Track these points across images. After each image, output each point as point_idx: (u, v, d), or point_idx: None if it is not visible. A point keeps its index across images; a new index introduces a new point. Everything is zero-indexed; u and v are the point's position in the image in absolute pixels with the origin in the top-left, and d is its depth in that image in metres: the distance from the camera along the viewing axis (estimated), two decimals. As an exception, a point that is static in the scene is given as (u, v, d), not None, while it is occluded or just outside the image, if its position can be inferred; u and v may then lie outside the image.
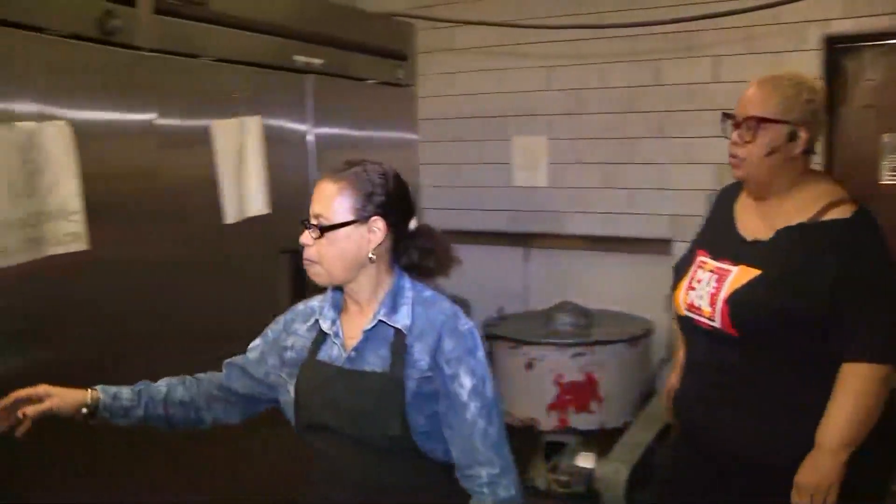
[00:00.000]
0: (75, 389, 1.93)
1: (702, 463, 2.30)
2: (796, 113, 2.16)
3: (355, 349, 1.90)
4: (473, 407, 1.84)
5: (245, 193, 2.76)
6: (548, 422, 4.28)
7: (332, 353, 1.93)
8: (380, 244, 1.86)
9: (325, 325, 1.95)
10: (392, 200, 1.87)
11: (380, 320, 1.88)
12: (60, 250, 2.13)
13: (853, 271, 2.07)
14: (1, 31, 2.03)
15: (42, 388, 1.89)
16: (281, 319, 2.06)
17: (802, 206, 2.17)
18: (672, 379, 2.53)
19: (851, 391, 2.06)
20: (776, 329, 2.12)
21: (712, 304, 2.19)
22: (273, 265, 2.92)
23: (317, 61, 3.06)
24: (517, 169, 5.06)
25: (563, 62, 4.82)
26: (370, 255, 1.85)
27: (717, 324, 2.18)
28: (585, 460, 4.06)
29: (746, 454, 2.18)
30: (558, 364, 4.24)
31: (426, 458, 1.88)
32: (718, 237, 2.33)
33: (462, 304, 4.86)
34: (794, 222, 2.16)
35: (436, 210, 4.55)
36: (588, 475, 3.97)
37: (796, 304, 2.08)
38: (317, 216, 1.85)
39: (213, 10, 2.65)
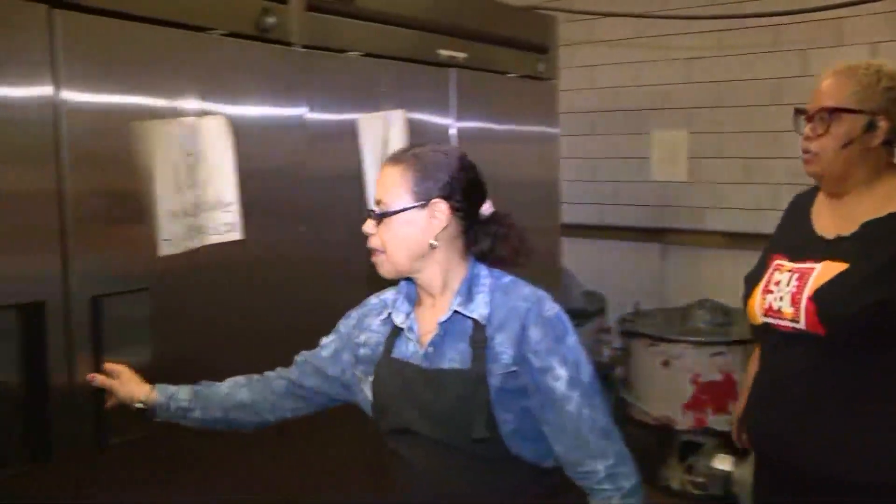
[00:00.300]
0: (141, 384, 1.95)
1: (791, 492, 2.09)
2: (874, 102, 2.02)
3: (432, 344, 1.78)
4: (575, 398, 1.70)
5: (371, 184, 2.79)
6: (683, 421, 4.20)
7: (407, 349, 1.82)
8: (444, 229, 1.75)
9: (399, 319, 1.84)
10: (456, 183, 1.76)
11: (455, 311, 1.76)
12: (218, 240, 2.22)
13: None
14: (166, 31, 2.13)
15: (118, 374, 1.94)
16: (353, 314, 1.98)
17: (886, 198, 2.04)
18: (740, 405, 2.36)
19: None
20: (868, 325, 1.94)
21: (794, 303, 2.03)
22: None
23: (460, 55, 3.08)
24: (656, 163, 4.97)
25: (704, 53, 4.70)
26: (431, 242, 1.75)
27: (801, 325, 2.01)
28: (722, 463, 3.94)
29: (842, 473, 1.98)
30: (696, 363, 4.15)
31: (515, 460, 1.74)
32: (795, 240, 2.18)
33: (597, 298, 4.86)
34: (882, 213, 2.02)
35: (573, 205, 4.52)
36: (725, 478, 3.85)
37: (883, 297, 1.92)
38: (378, 202, 1.78)
39: (361, 5, 2.70)
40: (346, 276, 2.53)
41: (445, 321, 1.77)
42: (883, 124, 2.02)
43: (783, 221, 2.32)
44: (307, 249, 2.54)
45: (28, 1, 1.83)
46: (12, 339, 1.86)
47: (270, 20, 2.38)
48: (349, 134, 2.69)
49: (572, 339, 1.74)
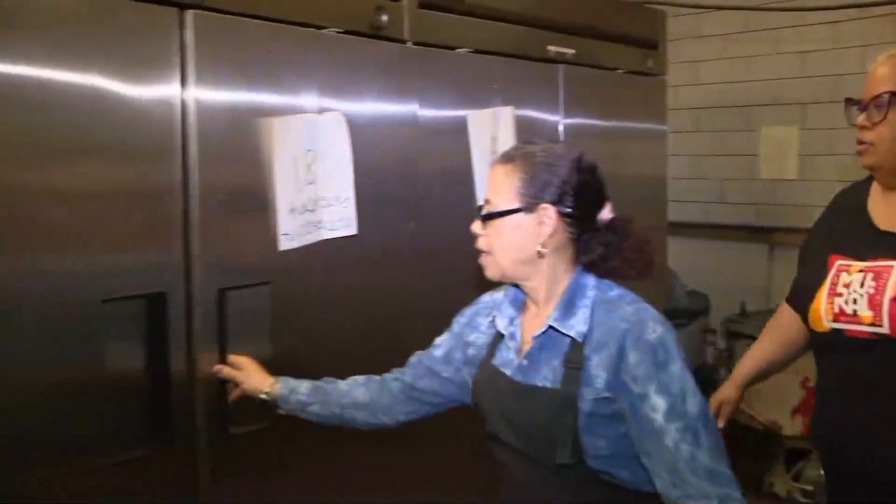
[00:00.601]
0: (265, 376, 2.01)
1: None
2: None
3: (527, 356, 1.69)
4: (674, 431, 1.53)
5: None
6: (792, 427, 4.07)
7: (506, 357, 1.75)
8: (551, 236, 1.65)
9: (501, 325, 1.77)
10: (568, 187, 1.64)
11: (549, 326, 1.66)
12: (333, 235, 2.25)
13: None
14: (286, 30, 2.17)
15: (243, 366, 2.01)
16: (466, 312, 1.93)
17: None
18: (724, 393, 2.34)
19: None
20: None
21: (874, 305, 1.85)
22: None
23: (569, 51, 3.06)
24: (764, 161, 4.84)
25: (819, 46, 4.55)
26: (538, 249, 1.64)
27: (884, 328, 1.83)
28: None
29: None
30: (805, 366, 4.01)
31: (610, 483, 1.62)
32: (857, 238, 2.00)
33: (701, 298, 4.77)
34: None
35: (677, 203, 4.44)
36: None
37: None
38: (486, 202, 1.70)
39: (472, 2, 2.71)
40: (457, 273, 2.53)
41: (540, 335, 1.67)
42: None
43: (832, 220, 2.16)
44: (417, 245, 2.56)
45: (160, 5, 1.90)
46: (138, 327, 1.93)
47: (383, 17, 2.40)
48: (459, 130, 2.69)
49: (676, 366, 1.56)
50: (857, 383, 1.93)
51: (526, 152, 1.69)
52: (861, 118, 1.95)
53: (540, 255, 1.65)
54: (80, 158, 1.78)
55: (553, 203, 1.64)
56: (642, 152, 3.49)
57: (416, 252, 2.55)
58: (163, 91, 1.91)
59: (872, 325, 1.86)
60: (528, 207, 1.64)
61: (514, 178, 1.66)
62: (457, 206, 2.65)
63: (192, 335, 2.00)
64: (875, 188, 2.04)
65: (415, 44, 2.54)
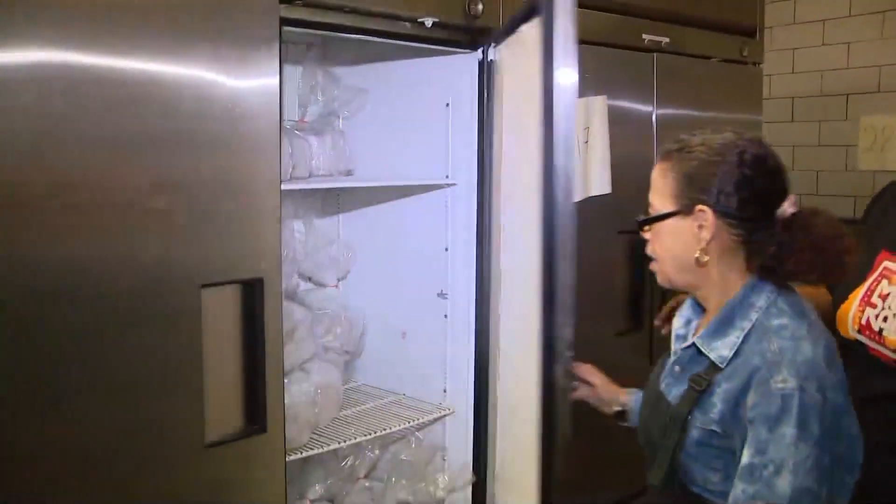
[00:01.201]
0: (615, 386, 1.94)
1: None
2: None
3: (678, 364, 1.60)
4: (740, 489, 1.38)
5: (588, 173, 2.77)
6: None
7: (669, 359, 1.65)
8: (711, 241, 1.50)
9: (677, 324, 1.68)
10: (728, 184, 1.48)
11: (693, 343, 1.55)
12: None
13: None
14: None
15: (594, 375, 1.96)
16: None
17: None
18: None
19: None
20: None
21: None
22: (611, 245, 2.91)
23: (664, 39, 2.99)
24: (863, 151, 4.67)
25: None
26: (697, 255, 1.50)
27: None
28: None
29: None
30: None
31: None
32: None
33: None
34: None
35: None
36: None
37: None
38: (649, 204, 1.59)
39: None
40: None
41: (687, 348, 1.58)
42: None
43: (890, 211, 1.84)
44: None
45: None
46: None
47: (479, 7, 2.39)
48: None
49: (791, 431, 1.35)
50: (876, 411, 1.64)
51: (683, 146, 1.54)
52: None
53: (699, 262, 1.51)
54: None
55: (710, 204, 1.49)
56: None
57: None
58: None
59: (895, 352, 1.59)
60: (685, 210, 1.51)
61: (669, 178, 1.53)
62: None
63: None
64: None
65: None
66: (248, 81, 1.89)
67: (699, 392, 1.48)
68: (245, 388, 1.99)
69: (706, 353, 1.51)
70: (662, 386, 1.61)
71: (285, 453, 2.11)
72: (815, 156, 4.84)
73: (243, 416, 1.99)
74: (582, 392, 1.97)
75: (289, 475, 2.13)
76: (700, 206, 1.50)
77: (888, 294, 1.65)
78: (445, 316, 2.69)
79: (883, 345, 1.62)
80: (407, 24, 2.29)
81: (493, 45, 2.46)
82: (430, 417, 2.72)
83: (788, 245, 1.47)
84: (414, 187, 2.74)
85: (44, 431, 1.65)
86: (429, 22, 2.30)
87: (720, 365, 1.47)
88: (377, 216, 2.95)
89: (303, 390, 2.45)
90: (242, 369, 1.99)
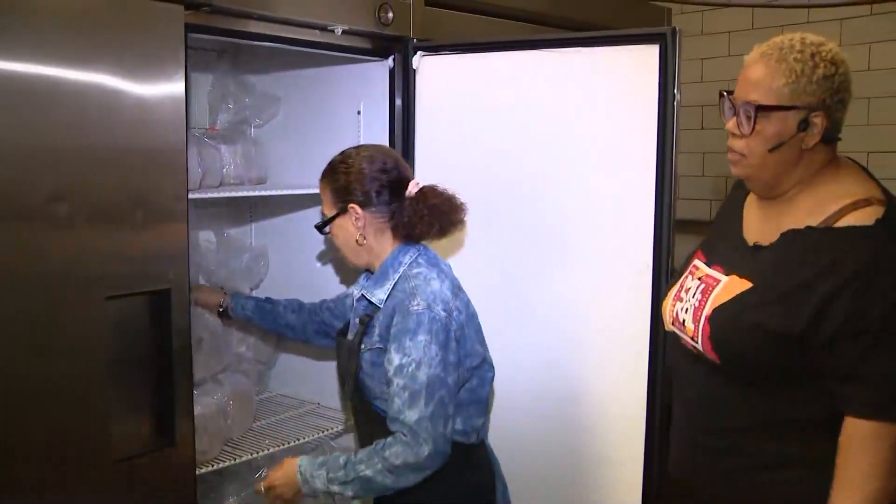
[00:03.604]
0: (218, 292, 2.54)
1: None
2: (810, 95, 1.60)
3: (355, 314, 2.08)
4: (395, 384, 1.87)
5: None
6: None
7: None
8: (363, 227, 2.00)
9: (355, 292, 2.13)
10: (361, 184, 1.98)
11: (362, 294, 2.05)
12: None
13: (861, 302, 1.52)
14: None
15: (198, 286, 2.57)
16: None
17: (817, 205, 1.65)
18: None
19: (858, 451, 1.56)
20: (760, 359, 1.61)
21: (695, 321, 1.71)
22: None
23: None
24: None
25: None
26: (356, 240, 2.01)
27: (699, 345, 1.70)
28: None
29: None
30: None
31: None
32: (719, 239, 1.83)
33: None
34: (802, 225, 1.64)
35: (687, 201, 4.46)
36: None
37: (783, 330, 1.57)
38: (323, 215, 2.08)
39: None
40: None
41: (359, 300, 2.07)
42: (819, 121, 1.62)
43: (721, 208, 1.96)
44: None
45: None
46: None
47: None
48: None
49: (422, 338, 1.86)
50: (688, 398, 1.82)
51: (332, 167, 2.06)
52: (731, 124, 1.69)
53: (359, 243, 2.02)
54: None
55: (357, 202, 1.99)
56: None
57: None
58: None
59: (693, 339, 1.72)
60: (341, 211, 2.02)
61: (327, 192, 2.05)
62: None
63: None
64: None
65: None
66: (153, 88, 1.86)
67: (365, 325, 1.99)
68: (153, 401, 1.96)
69: (369, 298, 2.00)
70: (350, 334, 2.08)
71: (196, 466, 2.08)
72: (724, 162, 4.96)
73: (152, 430, 1.96)
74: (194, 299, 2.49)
75: (202, 488, 2.10)
76: (350, 205, 1.99)
77: (689, 288, 1.79)
78: (361, 324, 2.69)
79: (685, 333, 1.76)
80: (317, 31, 2.29)
81: (418, 53, 2.50)
82: (344, 426, 2.71)
83: (414, 214, 1.99)
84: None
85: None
86: (338, 30, 2.30)
87: (378, 305, 1.98)
88: (290, 225, 2.93)
89: (213, 401, 2.41)
90: (150, 381, 1.96)
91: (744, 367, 1.66)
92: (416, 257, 2.01)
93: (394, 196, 2.01)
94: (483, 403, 2.06)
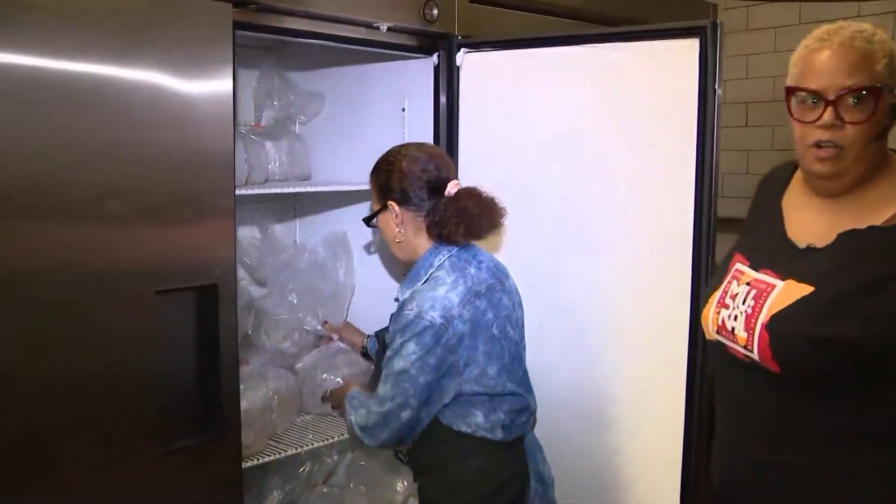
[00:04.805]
0: (356, 331, 2.72)
1: None
2: (891, 77, 1.53)
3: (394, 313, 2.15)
4: (383, 372, 2.02)
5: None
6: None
7: None
8: (401, 224, 2.07)
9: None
10: (400, 183, 2.04)
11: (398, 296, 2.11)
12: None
13: None
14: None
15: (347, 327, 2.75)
16: None
17: (877, 203, 1.57)
18: None
19: None
20: (828, 369, 1.52)
21: (748, 329, 1.61)
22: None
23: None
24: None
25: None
26: (394, 237, 2.09)
27: (754, 355, 1.60)
28: None
29: None
30: None
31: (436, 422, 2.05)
32: (760, 240, 1.74)
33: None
34: (863, 224, 1.56)
35: (726, 199, 4.39)
36: None
37: (851, 335, 1.49)
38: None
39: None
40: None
41: (397, 300, 2.10)
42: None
43: (753, 207, 1.85)
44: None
45: None
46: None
47: None
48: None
49: (404, 338, 1.96)
50: (737, 408, 1.73)
51: (378, 165, 2.14)
52: (827, 116, 1.54)
53: (397, 240, 2.11)
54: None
55: (396, 200, 2.06)
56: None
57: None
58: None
59: (746, 348, 1.63)
60: (384, 207, 2.11)
61: (373, 189, 2.15)
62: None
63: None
64: (797, 184, 1.75)
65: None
66: (201, 86, 1.87)
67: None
68: (200, 395, 1.97)
69: (399, 297, 2.06)
70: None
71: (241, 460, 2.10)
72: (769, 160, 4.91)
73: (198, 423, 1.97)
74: (331, 328, 2.73)
75: (246, 482, 2.12)
76: (389, 202, 2.06)
77: (737, 294, 1.69)
78: (403, 320, 2.70)
79: (736, 342, 1.66)
80: (362, 28, 2.29)
81: (462, 50, 2.50)
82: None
83: (444, 215, 2.02)
84: (370, 192, 2.74)
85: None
86: (383, 27, 2.31)
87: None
88: (334, 221, 2.94)
89: (259, 396, 2.43)
90: (197, 376, 1.98)
91: (808, 376, 1.56)
92: (444, 260, 2.06)
93: (432, 196, 2.06)
94: (498, 397, 2.05)
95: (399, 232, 2.08)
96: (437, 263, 2.05)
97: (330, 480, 2.93)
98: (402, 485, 2.80)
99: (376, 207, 2.11)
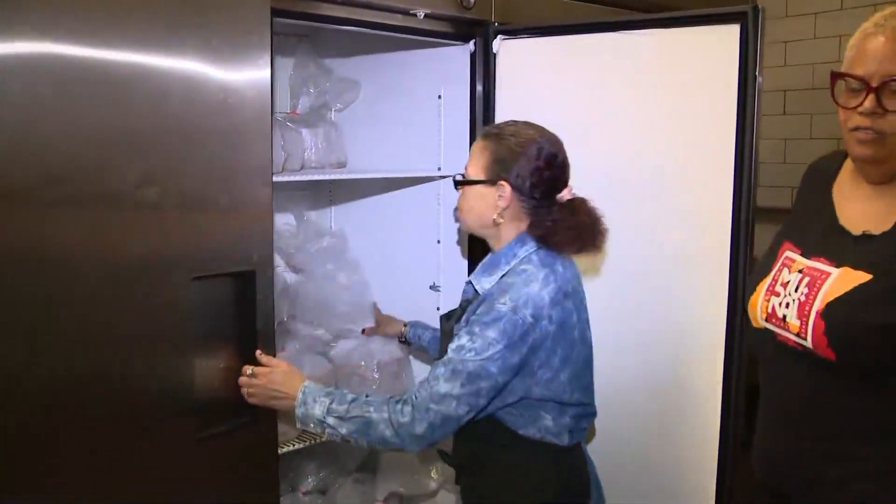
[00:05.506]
0: (395, 320, 2.62)
1: None
2: None
3: (462, 298, 2.04)
4: (447, 356, 1.81)
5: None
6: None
7: None
8: (505, 208, 1.89)
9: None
10: (525, 170, 1.86)
11: (469, 280, 1.97)
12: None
13: None
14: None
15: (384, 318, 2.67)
16: None
17: None
18: None
19: None
20: (885, 357, 1.51)
21: (802, 316, 1.60)
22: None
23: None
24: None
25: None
26: (494, 218, 1.90)
27: (808, 343, 1.59)
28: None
29: None
30: None
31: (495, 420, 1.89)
32: (811, 227, 1.73)
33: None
34: None
35: (762, 188, 4.34)
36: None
37: None
38: (465, 170, 1.96)
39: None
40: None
41: (468, 285, 2.00)
42: None
43: (800, 196, 1.85)
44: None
45: None
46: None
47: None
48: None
49: (493, 334, 1.78)
50: (786, 397, 1.71)
51: (500, 133, 1.92)
52: (868, 102, 1.55)
53: (495, 223, 1.91)
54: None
55: (510, 182, 1.87)
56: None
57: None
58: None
59: (799, 336, 1.62)
60: (491, 181, 1.89)
61: (485, 155, 1.91)
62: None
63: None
64: (847, 173, 1.74)
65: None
66: (239, 73, 1.88)
67: (464, 310, 1.93)
68: (236, 380, 1.99)
69: (475, 286, 1.92)
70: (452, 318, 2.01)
71: (277, 446, 2.11)
72: (807, 149, 4.84)
73: (234, 408, 1.99)
74: (370, 330, 2.68)
75: (282, 468, 2.13)
76: (502, 181, 1.88)
77: (788, 282, 1.68)
78: (438, 308, 2.70)
79: (787, 330, 1.65)
80: (399, 15, 2.29)
81: (498, 37, 2.48)
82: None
83: (558, 223, 1.88)
84: (406, 179, 2.74)
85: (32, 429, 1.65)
86: (421, 13, 2.30)
87: (479, 293, 1.90)
88: (369, 209, 2.95)
89: (294, 382, 2.44)
90: (234, 361, 1.99)
91: (863, 365, 1.55)
92: (531, 252, 1.89)
93: (546, 193, 1.89)
94: (562, 402, 1.91)
95: (499, 215, 1.90)
96: (521, 255, 1.89)
97: (364, 467, 2.95)
98: (437, 471, 2.81)
99: (478, 175, 1.91)
